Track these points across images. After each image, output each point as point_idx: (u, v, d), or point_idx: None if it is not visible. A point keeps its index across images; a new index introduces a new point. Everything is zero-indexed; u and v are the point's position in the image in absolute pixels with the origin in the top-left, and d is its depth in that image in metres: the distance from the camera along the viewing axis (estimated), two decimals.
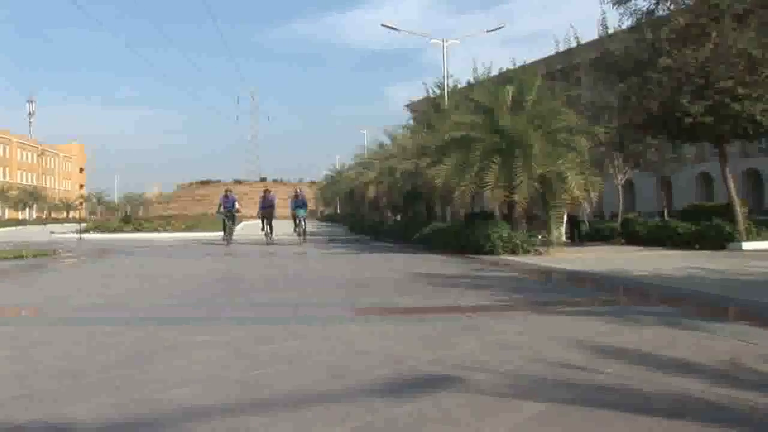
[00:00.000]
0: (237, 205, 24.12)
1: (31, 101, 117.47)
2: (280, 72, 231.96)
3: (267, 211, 24.18)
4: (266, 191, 25.32)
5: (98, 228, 35.58)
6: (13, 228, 56.96)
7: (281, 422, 3.22)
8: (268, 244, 22.24)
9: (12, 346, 5.21)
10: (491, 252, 15.47)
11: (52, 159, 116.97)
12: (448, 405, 3.49)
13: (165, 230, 33.40)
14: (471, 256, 15.33)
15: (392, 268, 12.77)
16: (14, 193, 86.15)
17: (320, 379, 4.06)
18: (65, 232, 35.69)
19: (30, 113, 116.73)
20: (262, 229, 23.85)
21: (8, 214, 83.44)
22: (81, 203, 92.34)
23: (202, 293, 9.24)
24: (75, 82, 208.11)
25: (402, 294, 8.76)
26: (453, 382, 3.96)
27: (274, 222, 24.38)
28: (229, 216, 23.54)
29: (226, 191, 24.59)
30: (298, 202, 24.17)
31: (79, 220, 44.83)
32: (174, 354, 4.82)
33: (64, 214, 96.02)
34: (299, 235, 23.52)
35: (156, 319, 6.75)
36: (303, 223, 23.73)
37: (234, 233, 24.50)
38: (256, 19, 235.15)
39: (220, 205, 24.10)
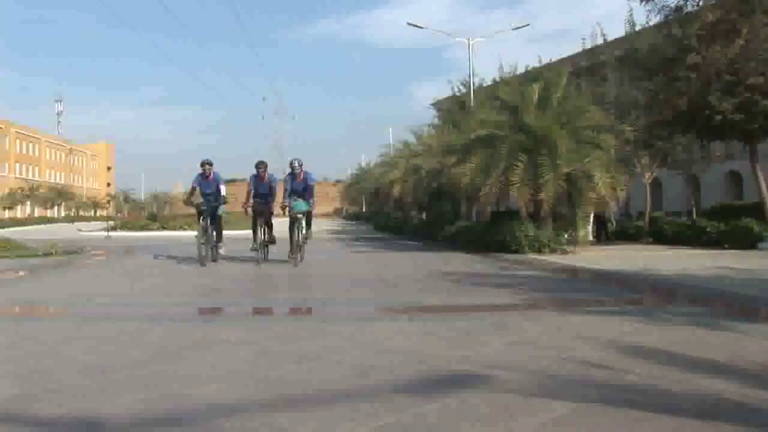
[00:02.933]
0: (224, 191, 13.75)
1: (59, 100, 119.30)
2: (305, 70, 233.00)
3: (261, 204, 13.72)
4: (260, 167, 13.67)
5: (125, 226, 36.00)
6: (42, 226, 58.02)
7: (307, 420, 3.23)
8: (260, 262, 13.09)
9: (42, 342, 5.28)
10: (517, 251, 15.36)
11: (80, 158, 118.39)
12: (476, 404, 3.47)
13: (191, 228, 33.61)
14: (497, 254, 15.24)
15: (417, 267, 12.75)
16: (43, 191, 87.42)
17: (346, 378, 4.06)
18: (93, 230, 36.17)
19: (58, 112, 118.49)
20: (254, 240, 13.48)
21: (37, 212, 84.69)
22: (108, 201, 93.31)
23: (227, 292, 9.31)
24: (103, 81, 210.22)
25: (427, 292, 8.75)
26: (481, 380, 3.94)
27: (274, 222, 14.16)
28: (207, 212, 13.47)
29: (203, 165, 13.68)
30: (296, 187, 13.31)
31: (107, 218, 45.39)
32: (200, 352, 4.85)
33: (92, 212, 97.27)
34: (292, 251, 12.95)
35: (181, 317, 6.81)
36: (303, 229, 13.12)
37: (222, 246, 14.20)
38: (281, 17, 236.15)
39: (192, 190, 14.02)
